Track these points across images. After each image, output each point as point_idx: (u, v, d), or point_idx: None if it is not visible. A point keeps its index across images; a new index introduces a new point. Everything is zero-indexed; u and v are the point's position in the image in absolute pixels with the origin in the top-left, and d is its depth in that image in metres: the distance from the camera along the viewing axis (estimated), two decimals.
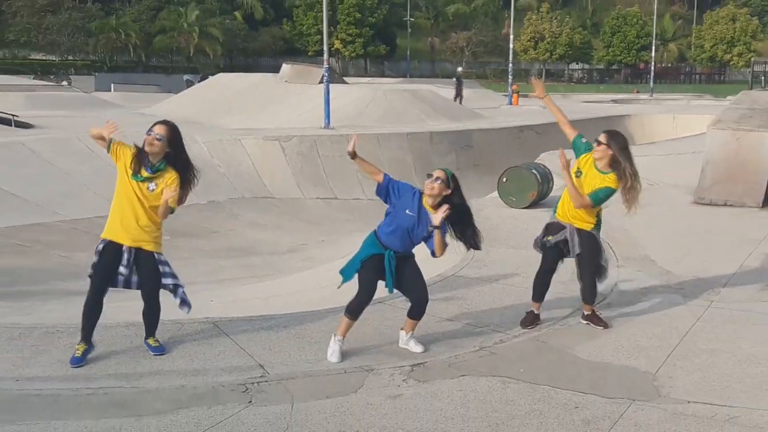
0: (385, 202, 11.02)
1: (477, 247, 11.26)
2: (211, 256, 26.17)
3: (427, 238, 10.89)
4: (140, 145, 10.76)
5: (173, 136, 10.86)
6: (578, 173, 12.10)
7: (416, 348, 11.39)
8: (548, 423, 9.15)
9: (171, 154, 10.82)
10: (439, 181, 10.68)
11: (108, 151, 10.83)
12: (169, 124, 10.92)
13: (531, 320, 12.50)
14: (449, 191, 10.80)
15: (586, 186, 11.97)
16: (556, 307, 12.69)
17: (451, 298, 14.13)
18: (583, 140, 12.39)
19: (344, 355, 11.22)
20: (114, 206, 10.88)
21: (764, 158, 24.13)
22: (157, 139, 10.62)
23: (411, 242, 11.06)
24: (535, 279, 12.47)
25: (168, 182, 10.84)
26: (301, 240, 28.95)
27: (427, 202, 10.84)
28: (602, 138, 12.02)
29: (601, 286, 13.23)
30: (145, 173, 10.67)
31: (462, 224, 10.96)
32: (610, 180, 11.99)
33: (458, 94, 70.80)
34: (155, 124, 10.78)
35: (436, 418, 9.26)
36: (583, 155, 12.20)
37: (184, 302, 11.27)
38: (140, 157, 10.70)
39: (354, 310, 11.08)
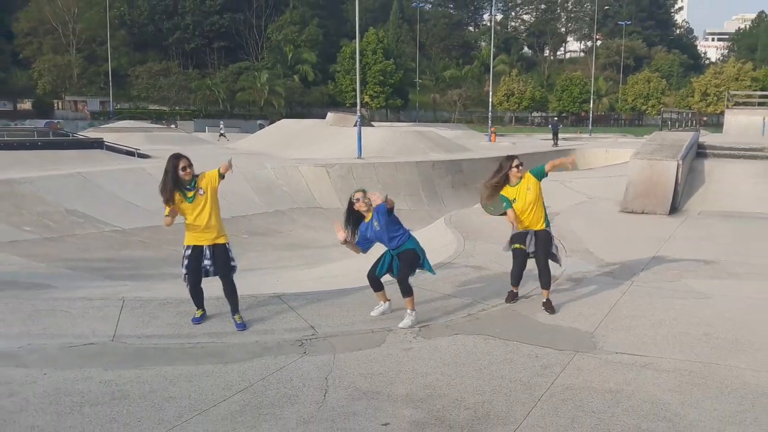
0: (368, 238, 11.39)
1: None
2: (277, 249, 26.20)
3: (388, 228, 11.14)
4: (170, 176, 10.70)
5: (189, 160, 10.87)
6: (514, 200, 12.10)
7: (403, 322, 11.11)
8: (517, 368, 9.17)
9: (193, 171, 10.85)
10: (360, 201, 11.09)
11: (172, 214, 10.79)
12: (182, 155, 10.89)
13: (512, 297, 12.53)
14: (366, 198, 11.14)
15: (530, 196, 12.06)
16: (521, 286, 12.68)
17: (447, 279, 14.11)
18: (505, 203, 12.41)
19: (376, 318, 11.48)
20: (189, 225, 10.87)
21: (670, 179, 24.17)
22: (189, 167, 10.69)
23: (388, 237, 11.16)
24: (513, 272, 12.42)
25: (208, 178, 10.90)
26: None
27: (367, 218, 11.20)
28: (517, 161, 12.20)
29: (556, 270, 13.28)
30: (189, 193, 10.70)
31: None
32: (528, 176, 12.18)
33: (555, 136, 71.65)
34: (180, 159, 10.71)
35: (437, 364, 9.32)
36: (506, 196, 12.23)
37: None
38: (178, 188, 10.70)
39: (370, 284, 11.48)
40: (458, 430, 7.37)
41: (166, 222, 10.77)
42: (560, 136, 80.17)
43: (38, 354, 9.53)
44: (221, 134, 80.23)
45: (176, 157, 10.77)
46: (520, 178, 12.13)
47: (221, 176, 11.01)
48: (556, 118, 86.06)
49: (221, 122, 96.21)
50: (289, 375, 8.91)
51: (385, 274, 11.43)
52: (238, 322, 11.10)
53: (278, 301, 12.39)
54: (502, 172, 12.22)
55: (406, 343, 10.25)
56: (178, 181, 10.70)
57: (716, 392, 8.46)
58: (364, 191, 11.25)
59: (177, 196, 10.70)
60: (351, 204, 11.21)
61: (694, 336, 10.63)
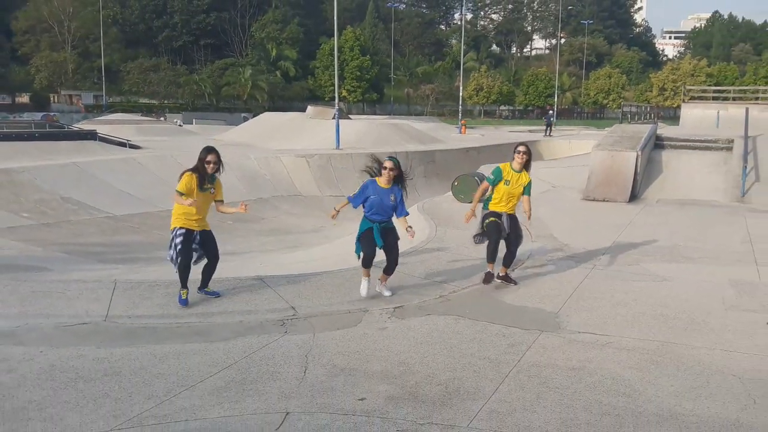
0: (364, 203, 11.31)
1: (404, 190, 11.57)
2: (260, 234, 26.19)
3: (395, 207, 11.35)
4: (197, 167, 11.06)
5: (219, 157, 11.12)
6: (507, 182, 12.19)
7: (386, 293, 11.61)
8: (485, 346, 9.20)
9: (218, 168, 11.07)
10: (389, 171, 11.16)
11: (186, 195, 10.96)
12: (216, 151, 11.19)
13: (489, 278, 12.48)
14: (398, 171, 11.30)
15: (518, 184, 12.22)
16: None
17: (421, 262, 14.13)
18: (491, 177, 12.51)
19: (353, 299, 11.46)
20: (185, 210, 10.97)
21: (629, 169, 24.32)
22: (214, 163, 10.94)
23: (387, 212, 11.33)
24: (489, 247, 12.38)
25: (218, 186, 11.23)
26: (320, 224, 28.94)
27: (381, 181, 11.23)
28: (523, 148, 12.33)
29: (523, 254, 13.30)
30: (206, 185, 10.91)
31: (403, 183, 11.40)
32: (527, 176, 12.33)
33: (548, 127, 72.66)
34: (210, 153, 11.03)
35: (410, 342, 9.34)
36: (503, 170, 12.33)
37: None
38: (201, 177, 10.91)
39: (365, 262, 11.36)
40: (430, 404, 7.39)
41: (180, 202, 10.96)
42: (528, 128, 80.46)
43: (35, 333, 9.54)
44: (180, 125, 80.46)
45: (207, 151, 11.12)
46: (521, 164, 12.32)
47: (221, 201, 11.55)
48: (551, 111, 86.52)
49: (243, 114, 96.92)
50: (271, 353, 8.91)
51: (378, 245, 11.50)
52: (209, 291, 11.55)
53: (261, 283, 12.38)
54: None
55: (381, 323, 10.26)
56: (204, 171, 11.01)
57: (673, 370, 8.51)
58: (396, 164, 11.37)
59: (195, 181, 10.95)
60: (380, 163, 11.43)
61: (652, 316, 10.70)
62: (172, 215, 11.21)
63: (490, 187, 12.54)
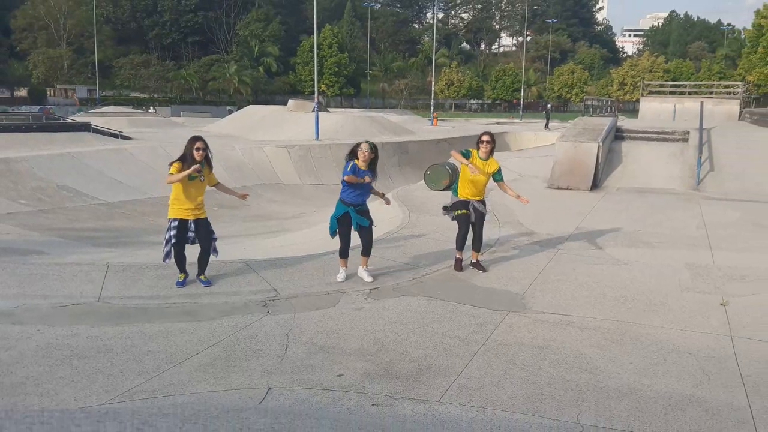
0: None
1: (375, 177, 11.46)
2: (244, 220, 26.13)
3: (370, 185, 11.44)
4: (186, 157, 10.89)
5: (207, 144, 11.00)
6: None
7: (367, 278, 11.49)
8: (456, 325, 9.21)
9: (206, 156, 10.94)
10: (369, 151, 11.10)
11: (191, 178, 10.84)
12: (202, 138, 11.05)
13: (459, 264, 12.48)
14: (374, 155, 11.25)
15: (485, 172, 12.11)
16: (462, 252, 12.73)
17: (395, 247, 14.11)
18: (464, 151, 12.50)
19: (336, 282, 11.47)
20: (178, 198, 10.92)
21: (591, 159, 24.36)
22: (203, 149, 10.79)
23: (364, 192, 11.38)
24: (458, 237, 12.41)
25: (212, 176, 11.20)
26: (300, 210, 28.94)
27: (360, 163, 11.11)
28: (487, 137, 12.23)
29: (491, 239, 13.28)
30: (195, 174, 10.71)
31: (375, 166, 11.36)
32: (495, 162, 12.30)
33: (548, 122, 71.82)
34: (197, 141, 10.88)
35: (385, 321, 9.35)
36: (473, 153, 12.25)
37: (215, 250, 11.36)
38: (189, 165, 10.73)
39: (341, 253, 11.47)
40: (404, 380, 7.39)
41: (171, 180, 10.79)
42: (496, 120, 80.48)
43: (32, 312, 9.52)
44: (154, 113, 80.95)
45: (193, 139, 10.96)
46: (487, 152, 12.26)
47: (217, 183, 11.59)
48: (549, 105, 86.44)
49: (228, 107, 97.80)
50: (255, 332, 8.91)
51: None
52: (204, 280, 11.24)
53: (245, 266, 12.34)
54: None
55: (358, 304, 10.28)
56: (193, 159, 10.83)
57: (632, 348, 8.55)
58: (372, 147, 11.32)
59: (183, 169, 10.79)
60: (357, 145, 11.32)
61: (613, 298, 10.75)
62: (169, 204, 11.17)
63: (459, 167, 12.59)
